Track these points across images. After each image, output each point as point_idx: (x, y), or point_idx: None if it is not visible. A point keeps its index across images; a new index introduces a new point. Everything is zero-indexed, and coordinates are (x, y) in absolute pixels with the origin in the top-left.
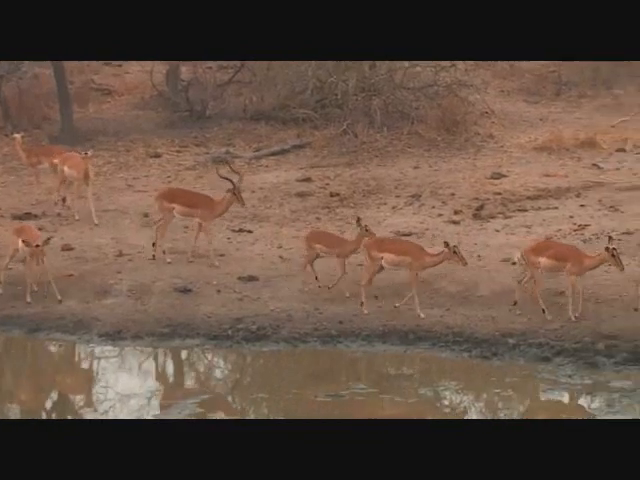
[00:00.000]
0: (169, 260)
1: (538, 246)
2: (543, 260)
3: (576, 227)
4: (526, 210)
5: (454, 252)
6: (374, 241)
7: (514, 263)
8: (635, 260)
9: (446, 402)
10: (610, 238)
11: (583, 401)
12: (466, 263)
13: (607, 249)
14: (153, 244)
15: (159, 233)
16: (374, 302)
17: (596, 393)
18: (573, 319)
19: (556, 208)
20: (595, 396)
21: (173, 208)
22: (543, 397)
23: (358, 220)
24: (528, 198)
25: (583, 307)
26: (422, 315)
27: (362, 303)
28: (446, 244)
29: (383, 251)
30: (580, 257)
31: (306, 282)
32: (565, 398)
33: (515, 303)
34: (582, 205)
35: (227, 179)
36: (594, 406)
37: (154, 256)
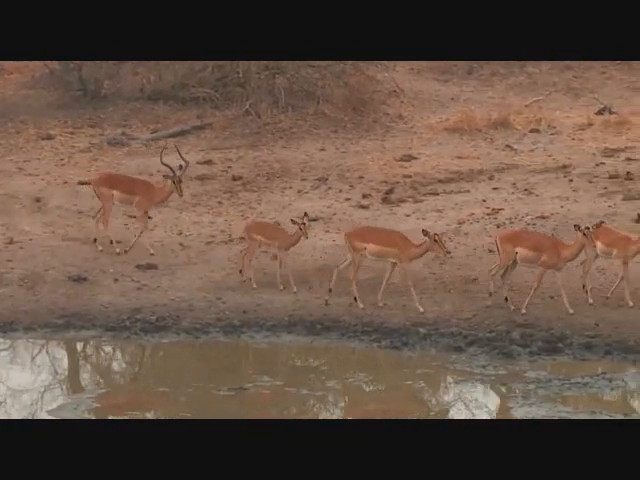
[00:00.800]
0: (118, 250)
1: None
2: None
3: (489, 211)
4: (437, 194)
5: (435, 241)
6: (357, 231)
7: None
8: None
9: (355, 395)
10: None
11: (497, 392)
12: (448, 252)
13: (580, 230)
14: (94, 240)
15: (102, 224)
16: (306, 292)
17: (511, 384)
18: (523, 311)
19: (468, 191)
20: (510, 387)
21: (113, 194)
22: (456, 389)
23: (305, 215)
24: (439, 181)
25: (497, 295)
26: (421, 309)
27: (355, 298)
28: (425, 232)
29: (367, 242)
30: (557, 248)
31: (228, 269)
32: (479, 390)
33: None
34: (495, 188)
35: (168, 166)
36: (509, 397)
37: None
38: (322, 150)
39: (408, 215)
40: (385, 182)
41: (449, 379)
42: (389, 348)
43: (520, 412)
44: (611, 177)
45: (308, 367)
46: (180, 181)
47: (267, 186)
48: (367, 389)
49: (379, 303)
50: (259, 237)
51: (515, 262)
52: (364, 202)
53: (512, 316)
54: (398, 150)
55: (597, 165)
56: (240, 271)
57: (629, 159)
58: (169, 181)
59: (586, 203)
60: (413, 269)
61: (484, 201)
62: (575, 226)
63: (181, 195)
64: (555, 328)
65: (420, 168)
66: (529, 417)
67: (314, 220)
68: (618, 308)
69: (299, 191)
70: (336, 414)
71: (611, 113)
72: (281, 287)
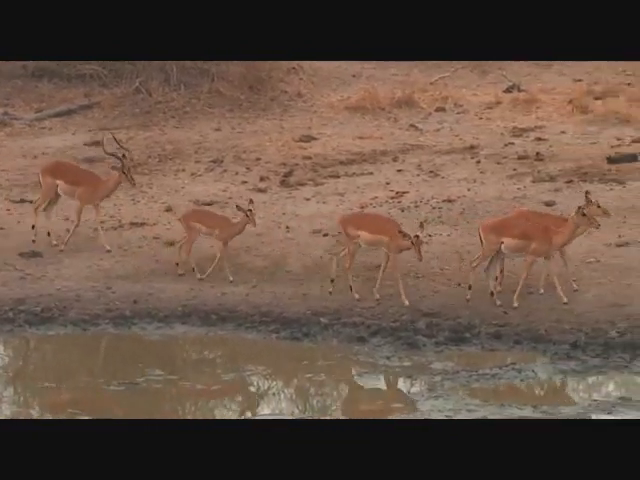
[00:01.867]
0: (55, 243)
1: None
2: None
3: (393, 194)
4: (338, 176)
5: (412, 243)
6: (351, 217)
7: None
8: (457, 230)
9: (253, 388)
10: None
11: (402, 385)
12: (420, 259)
13: (581, 213)
14: (33, 227)
15: (40, 213)
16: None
17: (416, 376)
18: (515, 304)
19: (371, 174)
20: (415, 379)
21: (57, 185)
22: (359, 381)
23: (239, 207)
24: (341, 163)
25: (402, 283)
26: (406, 302)
27: (351, 288)
28: (406, 235)
29: (360, 229)
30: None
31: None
32: (382, 382)
33: (332, 281)
34: (399, 170)
35: (114, 155)
36: (414, 390)
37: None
38: (217, 130)
39: (308, 199)
40: (284, 164)
41: (352, 371)
42: (289, 339)
43: (426, 405)
44: (520, 158)
45: (203, 360)
46: (130, 171)
47: (159, 168)
48: (265, 383)
49: (375, 295)
50: (198, 226)
51: (500, 252)
52: (261, 185)
53: (417, 305)
54: (297, 130)
55: (505, 145)
56: (177, 264)
57: (539, 139)
58: (116, 172)
59: (494, 185)
60: (318, 256)
61: (388, 184)
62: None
63: (134, 184)
64: (462, 317)
65: (320, 149)
66: (435, 410)
67: (209, 204)
68: (528, 296)
69: (193, 174)
70: (233, 409)
71: (520, 91)
72: (231, 279)
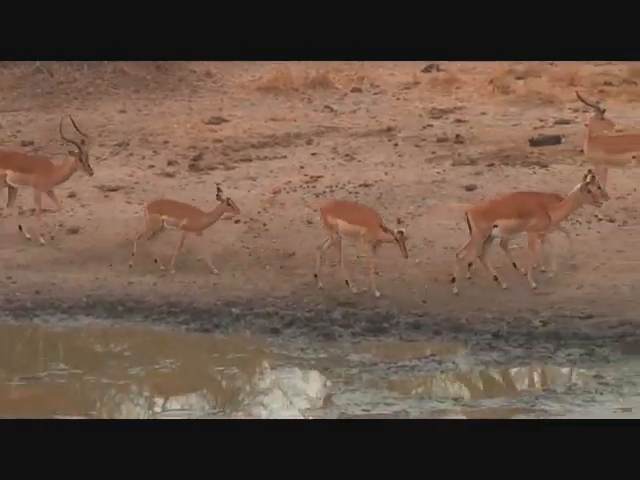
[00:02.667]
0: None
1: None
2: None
3: (308, 179)
4: (250, 160)
5: (396, 240)
6: (330, 205)
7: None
8: None
9: (161, 383)
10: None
11: (318, 378)
12: (406, 256)
13: (587, 190)
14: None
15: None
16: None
17: (333, 368)
18: (533, 286)
19: (285, 157)
20: (332, 372)
21: (5, 175)
22: (272, 374)
23: (219, 191)
24: (253, 146)
25: (320, 272)
26: (377, 294)
27: (347, 282)
28: (390, 232)
29: (339, 218)
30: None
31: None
32: (298, 375)
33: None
34: (314, 154)
35: (72, 142)
36: (330, 383)
37: None
38: (122, 112)
39: (218, 184)
40: (193, 147)
41: (265, 364)
42: (199, 331)
43: (342, 399)
44: (439, 140)
45: (109, 353)
46: (87, 159)
47: (61, 152)
48: (174, 376)
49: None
50: (164, 217)
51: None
52: (169, 169)
53: (333, 294)
54: (207, 112)
55: (424, 127)
56: (155, 260)
57: (459, 121)
58: (72, 158)
59: (412, 169)
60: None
61: (302, 168)
62: None
63: (91, 173)
64: (380, 306)
65: (231, 132)
66: (352, 404)
67: (113, 190)
68: (448, 284)
69: (97, 158)
70: (140, 405)
71: (439, 70)
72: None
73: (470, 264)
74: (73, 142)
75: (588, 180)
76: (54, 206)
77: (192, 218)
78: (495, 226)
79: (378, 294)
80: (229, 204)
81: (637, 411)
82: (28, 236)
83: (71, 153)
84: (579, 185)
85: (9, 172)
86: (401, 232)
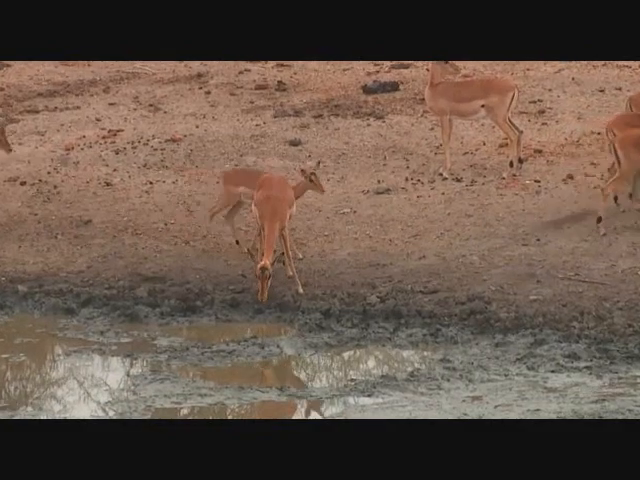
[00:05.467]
0: None
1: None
2: None
3: (106, 133)
4: (37, 111)
5: (311, 180)
6: (232, 173)
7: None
8: (184, 176)
9: None
10: None
11: (120, 365)
12: (324, 190)
13: None
14: None
15: None
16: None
17: (137, 354)
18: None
19: (78, 108)
20: (136, 358)
21: None
22: (67, 362)
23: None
24: (40, 95)
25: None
26: (291, 273)
27: (250, 254)
28: (303, 172)
29: (240, 184)
30: None
31: None
32: (97, 363)
33: None
34: (112, 104)
35: None
36: (135, 372)
37: None
38: None
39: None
40: None
41: (57, 350)
42: None
43: (150, 390)
44: (258, 88)
45: None
46: (4, 133)
47: None
48: None
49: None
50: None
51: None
52: None
53: (137, 268)
54: None
55: (240, 73)
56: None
57: (280, 65)
58: None
59: (228, 122)
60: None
61: (98, 120)
62: None
63: (9, 150)
64: (192, 282)
65: (14, 78)
66: (161, 395)
67: None
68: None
69: None
70: None
71: None
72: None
73: (616, 198)
74: None
75: None
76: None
77: None
78: None
79: (291, 273)
80: (312, 180)
81: (488, 399)
82: None
83: None
84: None
85: None
86: (312, 172)
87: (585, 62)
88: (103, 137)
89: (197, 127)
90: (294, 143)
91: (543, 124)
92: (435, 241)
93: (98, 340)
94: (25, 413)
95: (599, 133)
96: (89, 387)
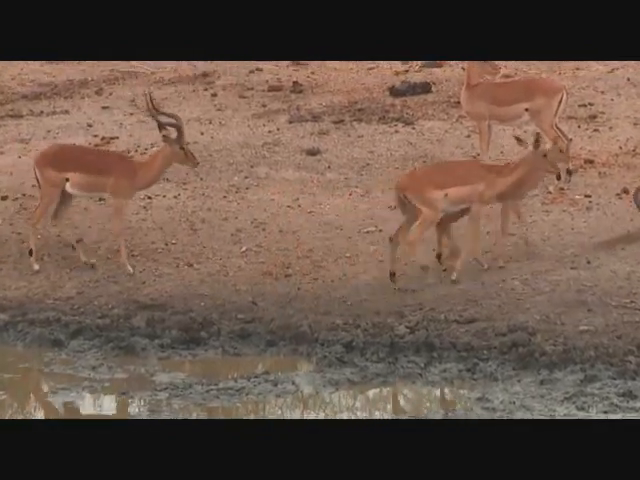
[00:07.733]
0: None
1: None
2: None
3: (99, 141)
4: (21, 116)
5: (182, 148)
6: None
7: None
8: (187, 190)
9: None
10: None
11: (114, 405)
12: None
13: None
14: None
15: None
16: None
17: (134, 392)
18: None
19: (67, 112)
20: (133, 397)
21: None
22: (55, 401)
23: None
24: (24, 97)
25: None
26: (130, 270)
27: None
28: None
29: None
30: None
31: None
32: (87, 402)
33: None
34: (106, 107)
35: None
36: (132, 411)
37: None
38: None
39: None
40: None
41: (44, 387)
42: None
43: None
44: (271, 90)
45: None
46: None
47: None
48: None
49: None
50: None
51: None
52: None
53: (133, 294)
54: None
55: (251, 72)
56: None
57: (297, 63)
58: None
59: (237, 128)
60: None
61: (90, 126)
62: None
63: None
64: (196, 310)
65: None
66: None
67: None
68: (284, 278)
69: None
70: None
71: None
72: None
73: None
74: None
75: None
76: None
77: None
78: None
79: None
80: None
81: None
82: None
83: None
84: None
85: None
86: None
87: None
88: (96, 145)
89: (202, 134)
90: (312, 152)
91: (594, 131)
92: (472, 263)
93: (89, 376)
94: None
95: None
96: None
